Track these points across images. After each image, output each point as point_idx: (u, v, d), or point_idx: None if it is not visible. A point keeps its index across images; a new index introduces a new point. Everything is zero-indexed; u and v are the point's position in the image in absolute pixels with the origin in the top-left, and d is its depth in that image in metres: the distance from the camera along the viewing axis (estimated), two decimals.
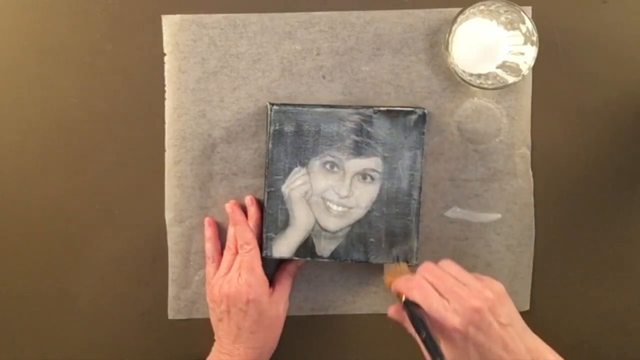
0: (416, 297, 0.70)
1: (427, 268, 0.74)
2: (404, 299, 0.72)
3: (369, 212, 0.81)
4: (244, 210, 0.85)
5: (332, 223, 0.82)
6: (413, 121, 0.80)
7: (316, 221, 0.82)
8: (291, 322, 0.85)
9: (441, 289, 0.70)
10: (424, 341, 0.67)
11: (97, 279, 0.87)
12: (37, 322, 0.88)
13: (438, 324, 0.68)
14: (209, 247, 0.84)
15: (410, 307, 0.70)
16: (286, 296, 0.84)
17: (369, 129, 0.80)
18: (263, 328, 0.80)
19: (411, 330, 0.70)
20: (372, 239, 0.82)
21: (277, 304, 0.82)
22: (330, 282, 0.87)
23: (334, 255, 0.82)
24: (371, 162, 0.81)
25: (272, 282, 0.84)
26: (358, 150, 0.81)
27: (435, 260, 0.76)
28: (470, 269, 0.84)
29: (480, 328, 0.67)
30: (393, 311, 0.75)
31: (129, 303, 0.88)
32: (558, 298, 0.88)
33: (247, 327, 0.78)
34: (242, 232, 0.81)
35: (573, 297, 0.87)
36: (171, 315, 0.88)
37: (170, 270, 0.87)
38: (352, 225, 0.82)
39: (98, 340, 0.88)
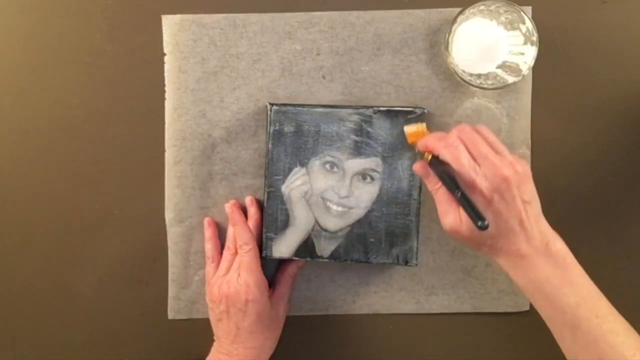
0: (447, 156, 0.70)
1: (463, 129, 0.72)
2: (429, 156, 0.73)
3: (369, 212, 0.81)
4: (244, 211, 0.85)
5: (332, 223, 0.82)
6: (413, 121, 0.80)
7: (316, 221, 0.82)
8: (291, 322, 0.85)
9: (474, 152, 0.70)
10: (459, 200, 0.67)
11: (97, 279, 0.87)
12: (37, 322, 0.88)
13: (464, 186, 0.69)
14: (209, 247, 0.84)
15: (438, 165, 0.71)
16: (286, 297, 0.84)
17: (368, 129, 0.80)
18: (262, 328, 0.80)
19: (432, 186, 0.72)
20: (372, 239, 0.82)
21: (277, 305, 0.82)
22: (330, 282, 0.87)
23: (333, 255, 0.82)
24: (371, 162, 0.81)
25: (272, 282, 0.84)
26: (358, 150, 0.81)
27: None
28: (470, 269, 0.85)
29: (504, 198, 0.67)
30: (419, 166, 0.75)
31: (129, 303, 0.88)
32: None
33: (246, 327, 0.78)
34: (241, 233, 0.81)
35: None
36: (171, 315, 0.88)
37: (170, 270, 0.87)
38: (352, 225, 0.82)
39: (98, 340, 0.88)
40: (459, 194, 0.67)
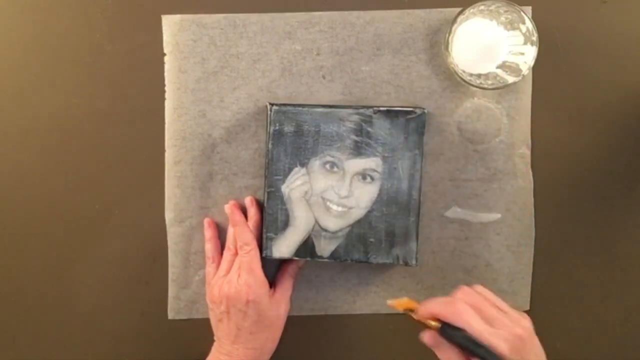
0: (460, 322, 0.68)
1: (466, 292, 0.72)
2: (434, 324, 0.70)
3: (369, 212, 0.81)
4: (244, 211, 0.85)
5: (332, 223, 0.82)
6: (413, 121, 0.80)
7: (316, 221, 0.82)
8: (291, 322, 0.85)
9: (485, 315, 0.68)
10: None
11: (97, 279, 0.87)
12: (37, 322, 0.88)
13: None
14: (209, 247, 0.84)
15: (452, 331, 0.68)
16: (287, 297, 0.84)
17: (368, 129, 0.80)
18: (262, 329, 0.80)
19: (444, 355, 0.70)
20: (372, 239, 0.82)
21: (278, 305, 0.82)
22: (330, 282, 0.87)
23: (334, 255, 0.82)
24: (371, 162, 0.81)
25: (273, 283, 0.84)
26: (358, 150, 0.81)
27: (468, 284, 0.74)
28: (470, 269, 0.85)
29: (523, 358, 0.66)
30: (429, 337, 0.71)
31: (129, 303, 0.88)
32: (558, 298, 0.88)
33: (247, 327, 0.78)
34: (241, 233, 0.81)
35: (573, 297, 0.87)
36: (171, 315, 0.88)
37: (170, 270, 0.87)
38: (352, 225, 0.82)
39: (98, 340, 0.88)
40: (483, 353, 0.65)
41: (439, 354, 0.71)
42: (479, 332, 0.66)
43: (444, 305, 0.70)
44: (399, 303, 0.74)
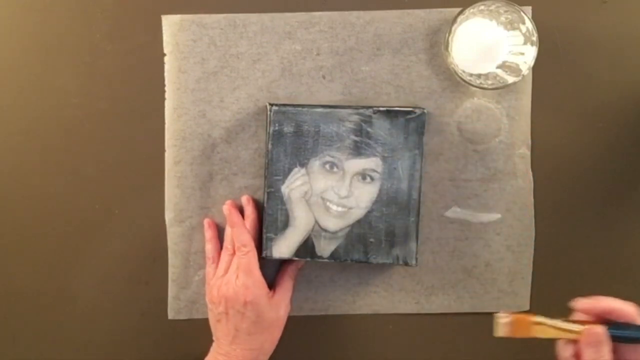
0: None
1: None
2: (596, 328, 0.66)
3: (369, 212, 0.81)
4: (241, 211, 0.85)
5: (332, 223, 0.82)
6: (413, 121, 0.80)
7: (316, 221, 0.82)
8: (291, 322, 0.85)
9: None
10: None
11: (97, 279, 0.87)
12: (37, 322, 0.88)
13: None
14: (210, 248, 0.84)
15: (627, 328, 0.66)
16: (287, 299, 0.84)
17: (368, 129, 0.80)
18: (261, 330, 0.79)
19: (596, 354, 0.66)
20: (371, 239, 0.82)
21: (278, 306, 0.82)
22: (330, 282, 0.87)
23: (333, 256, 0.82)
24: (371, 162, 0.81)
25: (272, 284, 0.84)
26: (358, 150, 0.81)
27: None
28: (470, 269, 0.85)
29: None
30: (597, 331, 0.66)
31: (129, 303, 0.88)
32: (558, 298, 0.87)
33: (245, 328, 0.78)
34: (239, 235, 0.81)
35: (573, 297, 0.87)
36: (171, 315, 0.88)
37: (170, 270, 0.87)
38: (352, 226, 0.82)
39: (98, 340, 0.88)
40: None
41: (596, 350, 0.66)
42: None
43: (622, 302, 0.67)
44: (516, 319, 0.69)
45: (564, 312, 0.88)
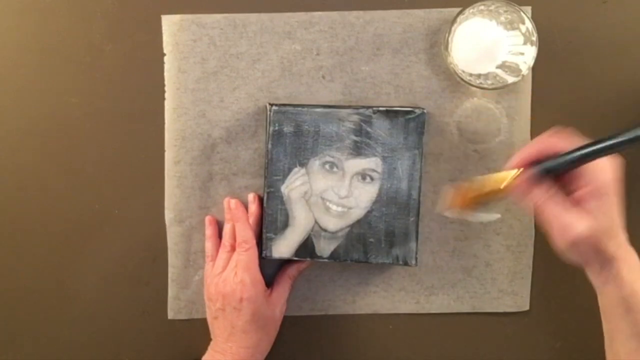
0: (569, 141, 0.66)
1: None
2: (520, 172, 0.68)
3: (369, 212, 0.81)
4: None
5: (331, 223, 0.82)
6: (412, 121, 0.80)
7: (316, 221, 0.82)
8: (291, 322, 0.85)
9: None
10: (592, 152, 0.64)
11: (97, 279, 0.88)
12: (37, 322, 0.88)
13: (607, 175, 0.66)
14: (209, 246, 0.84)
15: (556, 158, 0.66)
16: (284, 299, 0.84)
17: (368, 129, 0.80)
18: (256, 328, 0.79)
19: (539, 199, 0.66)
20: (371, 239, 0.82)
21: (274, 306, 0.82)
22: (330, 282, 0.87)
23: (333, 256, 0.82)
24: (370, 162, 0.81)
25: (271, 283, 0.84)
26: (357, 150, 0.81)
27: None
28: (470, 269, 0.85)
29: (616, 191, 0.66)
30: (521, 183, 0.67)
31: (129, 303, 0.88)
32: (558, 298, 0.88)
33: (240, 326, 0.78)
34: (241, 230, 0.81)
35: (573, 297, 0.87)
36: (171, 315, 0.88)
37: (170, 270, 0.87)
38: (352, 226, 0.82)
39: (98, 340, 0.88)
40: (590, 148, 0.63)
41: (530, 201, 0.68)
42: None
43: (542, 139, 0.68)
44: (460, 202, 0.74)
45: (563, 314, 0.89)
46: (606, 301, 0.67)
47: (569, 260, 0.67)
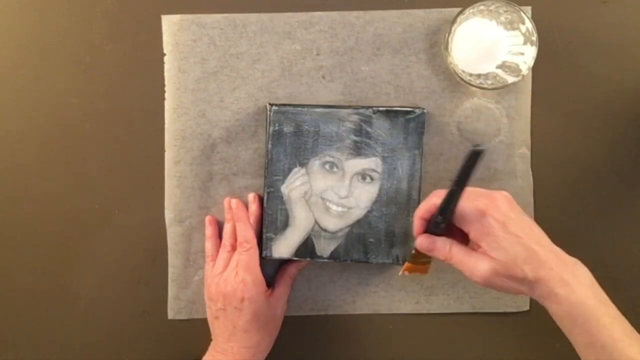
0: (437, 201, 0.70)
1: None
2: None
3: (369, 212, 0.82)
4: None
5: (331, 223, 0.82)
6: (412, 121, 0.80)
7: (316, 221, 0.82)
8: (291, 322, 0.85)
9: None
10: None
11: (97, 279, 0.88)
12: (37, 322, 0.88)
13: (472, 220, 0.69)
14: (209, 245, 0.84)
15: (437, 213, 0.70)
16: (285, 298, 0.84)
17: (368, 129, 0.80)
18: (257, 328, 0.80)
19: (443, 251, 0.71)
20: (371, 239, 0.82)
21: (275, 305, 0.82)
22: (329, 282, 0.87)
23: (333, 256, 0.82)
24: (370, 163, 0.81)
25: (271, 283, 0.84)
26: (357, 150, 0.81)
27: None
28: None
29: (511, 219, 0.67)
30: (422, 239, 0.72)
31: (129, 303, 0.88)
32: None
33: (241, 325, 0.79)
34: (242, 230, 0.81)
35: None
36: (171, 315, 0.88)
37: (170, 270, 0.87)
38: (352, 226, 0.82)
39: (98, 340, 0.88)
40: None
41: (438, 255, 0.72)
42: (463, 206, 0.69)
43: (423, 206, 0.73)
44: (409, 268, 0.78)
45: None
46: (555, 317, 0.68)
47: (495, 290, 0.70)
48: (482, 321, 0.88)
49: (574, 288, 0.66)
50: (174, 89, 0.85)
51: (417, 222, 0.73)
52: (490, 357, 0.89)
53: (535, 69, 0.79)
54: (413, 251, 0.74)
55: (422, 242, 0.72)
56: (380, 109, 0.81)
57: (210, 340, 0.82)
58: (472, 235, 0.69)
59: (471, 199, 0.69)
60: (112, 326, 0.88)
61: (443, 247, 0.71)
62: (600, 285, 0.69)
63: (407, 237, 0.82)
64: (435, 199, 0.70)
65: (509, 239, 0.67)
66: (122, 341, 0.88)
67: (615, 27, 0.84)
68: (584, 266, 0.69)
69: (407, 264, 0.77)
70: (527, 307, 0.87)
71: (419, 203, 0.81)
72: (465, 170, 0.65)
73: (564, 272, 0.67)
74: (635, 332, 0.67)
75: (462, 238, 0.71)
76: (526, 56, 0.78)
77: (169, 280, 0.87)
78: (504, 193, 0.70)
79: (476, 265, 0.68)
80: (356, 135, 0.80)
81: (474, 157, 0.64)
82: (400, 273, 0.78)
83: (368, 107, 0.81)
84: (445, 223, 0.70)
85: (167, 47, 0.84)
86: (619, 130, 0.85)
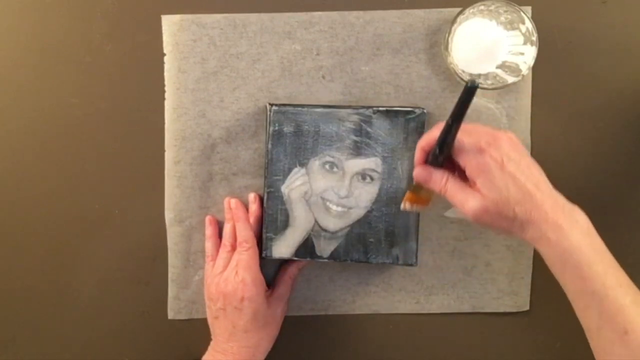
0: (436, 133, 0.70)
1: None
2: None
3: (369, 212, 0.81)
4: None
5: (331, 223, 0.82)
6: (412, 121, 0.80)
7: (316, 221, 0.82)
8: (291, 322, 0.85)
9: (467, 129, 0.70)
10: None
11: (97, 279, 0.88)
12: (37, 322, 0.88)
13: (471, 157, 0.68)
14: (209, 245, 0.84)
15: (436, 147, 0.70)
16: (285, 298, 0.84)
17: (368, 129, 0.80)
18: (257, 328, 0.80)
19: (439, 183, 0.71)
20: (371, 239, 0.82)
21: (275, 305, 0.82)
22: (329, 282, 0.87)
23: (333, 256, 0.82)
24: (370, 162, 0.81)
25: (271, 283, 0.84)
26: (357, 150, 0.81)
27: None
28: (470, 269, 0.85)
29: (512, 159, 0.67)
30: (419, 170, 0.73)
31: (129, 303, 0.88)
32: (558, 298, 0.87)
33: (242, 325, 0.79)
34: (242, 230, 0.81)
35: None
36: (171, 315, 0.88)
37: (170, 270, 0.87)
38: (352, 226, 0.82)
39: (98, 339, 0.88)
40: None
41: (433, 186, 0.72)
42: (462, 142, 0.69)
43: (425, 136, 0.72)
44: (409, 199, 0.77)
45: (563, 314, 0.88)
46: (546, 261, 0.68)
47: (485, 228, 0.71)
48: (482, 321, 0.88)
49: (568, 233, 0.66)
50: (174, 89, 0.85)
51: (418, 153, 0.73)
52: (490, 357, 0.89)
53: (535, 69, 0.79)
54: (414, 182, 0.74)
55: (419, 172, 0.73)
56: (380, 109, 0.81)
57: (210, 340, 0.82)
58: (468, 171, 0.69)
59: (473, 135, 0.69)
60: (112, 326, 0.88)
61: (439, 180, 0.71)
62: None
63: (407, 236, 0.82)
64: (437, 131, 0.69)
65: (504, 179, 0.66)
66: (122, 341, 0.88)
67: (615, 27, 0.84)
68: (583, 213, 0.69)
69: (408, 194, 0.77)
70: (527, 307, 0.87)
71: None
72: (460, 105, 0.65)
73: (559, 217, 0.66)
74: (631, 283, 0.66)
75: (463, 174, 0.71)
76: (526, 56, 0.78)
77: (169, 280, 0.87)
78: (509, 133, 0.70)
79: (467, 200, 0.68)
80: (356, 135, 0.80)
81: (469, 92, 0.65)
82: (402, 206, 0.77)
83: (368, 107, 0.81)
84: (442, 156, 0.70)
85: (167, 47, 0.84)
86: (619, 130, 0.85)
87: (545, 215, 0.66)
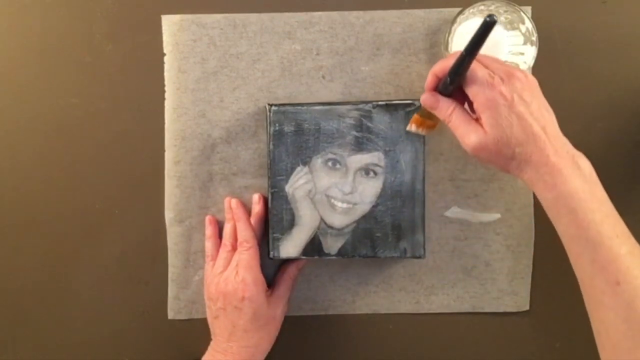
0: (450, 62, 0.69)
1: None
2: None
3: (374, 207, 0.81)
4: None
5: (337, 220, 0.81)
6: (412, 113, 0.80)
7: (321, 219, 0.81)
8: (291, 322, 0.85)
9: (484, 62, 0.70)
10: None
11: (97, 279, 0.87)
12: (37, 322, 0.88)
13: (485, 90, 0.68)
14: (209, 245, 0.84)
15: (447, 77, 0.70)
16: (285, 298, 0.84)
17: (368, 124, 0.80)
18: (257, 328, 0.79)
19: (445, 112, 0.72)
20: (378, 234, 0.82)
21: (275, 305, 0.82)
22: (329, 282, 0.87)
23: (341, 252, 0.82)
24: (373, 157, 0.81)
25: (272, 283, 0.84)
26: (359, 145, 0.81)
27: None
28: (470, 269, 0.85)
29: (523, 99, 0.67)
30: (427, 96, 0.74)
31: (129, 303, 0.88)
32: (558, 298, 0.88)
33: (242, 325, 0.78)
34: (242, 230, 0.81)
35: (573, 297, 0.87)
36: (171, 315, 0.88)
37: (170, 270, 0.87)
38: (358, 221, 0.82)
39: (98, 339, 0.88)
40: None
41: (439, 114, 0.73)
42: (476, 74, 0.68)
43: (442, 62, 0.72)
44: (416, 121, 0.79)
45: (563, 314, 0.89)
46: (542, 203, 0.68)
47: (482, 163, 0.71)
48: (482, 321, 0.88)
49: (567, 178, 0.65)
50: (174, 89, 0.85)
51: (429, 78, 0.73)
52: (490, 357, 0.89)
53: (535, 69, 0.79)
54: (421, 105, 0.75)
55: (427, 98, 0.73)
56: (380, 103, 0.80)
57: (210, 340, 0.82)
58: (476, 105, 0.68)
59: (489, 69, 0.68)
60: (112, 326, 0.88)
61: (445, 109, 0.72)
62: None
63: (414, 229, 0.82)
64: (452, 59, 0.68)
65: (510, 118, 0.66)
66: (122, 341, 0.88)
67: (615, 27, 0.85)
68: (587, 160, 0.68)
69: (415, 116, 0.78)
70: (527, 307, 0.87)
71: (424, 194, 0.81)
72: (476, 38, 0.64)
73: (561, 161, 0.66)
74: (630, 235, 0.66)
75: (471, 107, 0.70)
76: (526, 56, 0.79)
77: (169, 280, 0.87)
78: (528, 74, 0.69)
79: (469, 134, 0.69)
80: (357, 131, 0.81)
81: (486, 26, 0.63)
82: (408, 127, 0.79)
83: (367, 102, 0.81)
84: (452, 85, 0.70)
85: (167, 47, 0.84)
86: (619, 130, 0.86)
87: (547, 158, 0.66)
